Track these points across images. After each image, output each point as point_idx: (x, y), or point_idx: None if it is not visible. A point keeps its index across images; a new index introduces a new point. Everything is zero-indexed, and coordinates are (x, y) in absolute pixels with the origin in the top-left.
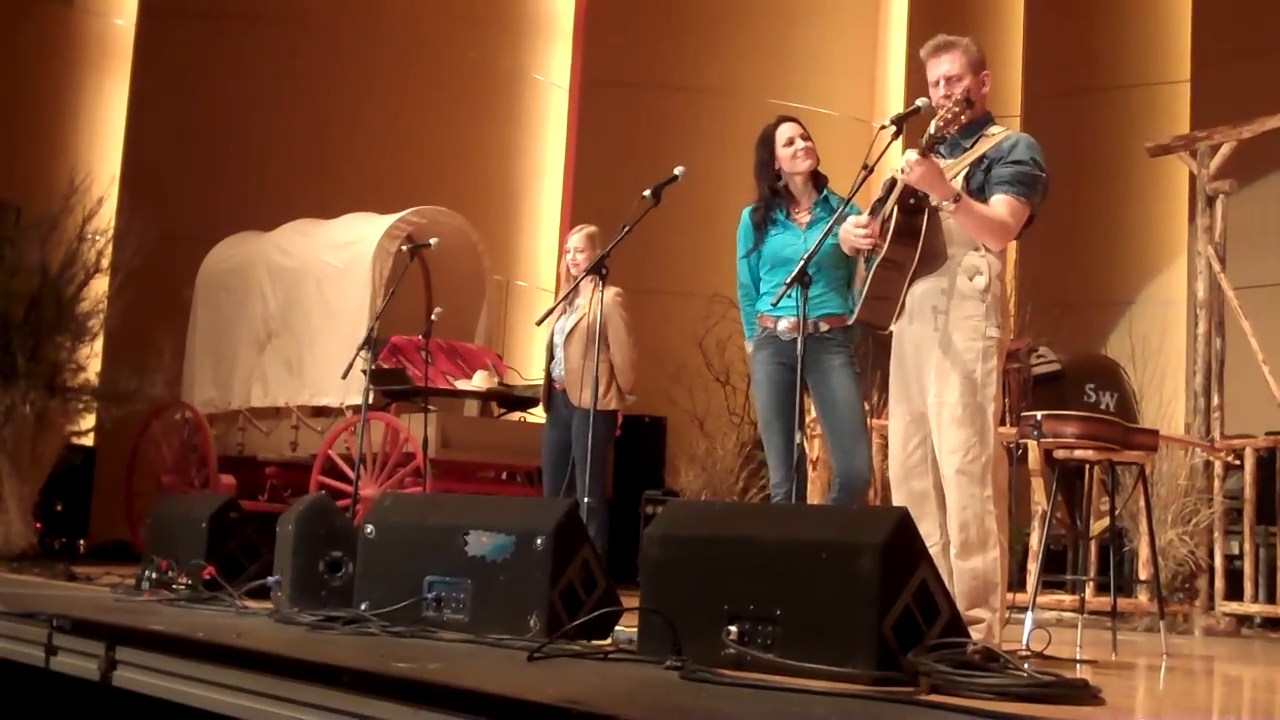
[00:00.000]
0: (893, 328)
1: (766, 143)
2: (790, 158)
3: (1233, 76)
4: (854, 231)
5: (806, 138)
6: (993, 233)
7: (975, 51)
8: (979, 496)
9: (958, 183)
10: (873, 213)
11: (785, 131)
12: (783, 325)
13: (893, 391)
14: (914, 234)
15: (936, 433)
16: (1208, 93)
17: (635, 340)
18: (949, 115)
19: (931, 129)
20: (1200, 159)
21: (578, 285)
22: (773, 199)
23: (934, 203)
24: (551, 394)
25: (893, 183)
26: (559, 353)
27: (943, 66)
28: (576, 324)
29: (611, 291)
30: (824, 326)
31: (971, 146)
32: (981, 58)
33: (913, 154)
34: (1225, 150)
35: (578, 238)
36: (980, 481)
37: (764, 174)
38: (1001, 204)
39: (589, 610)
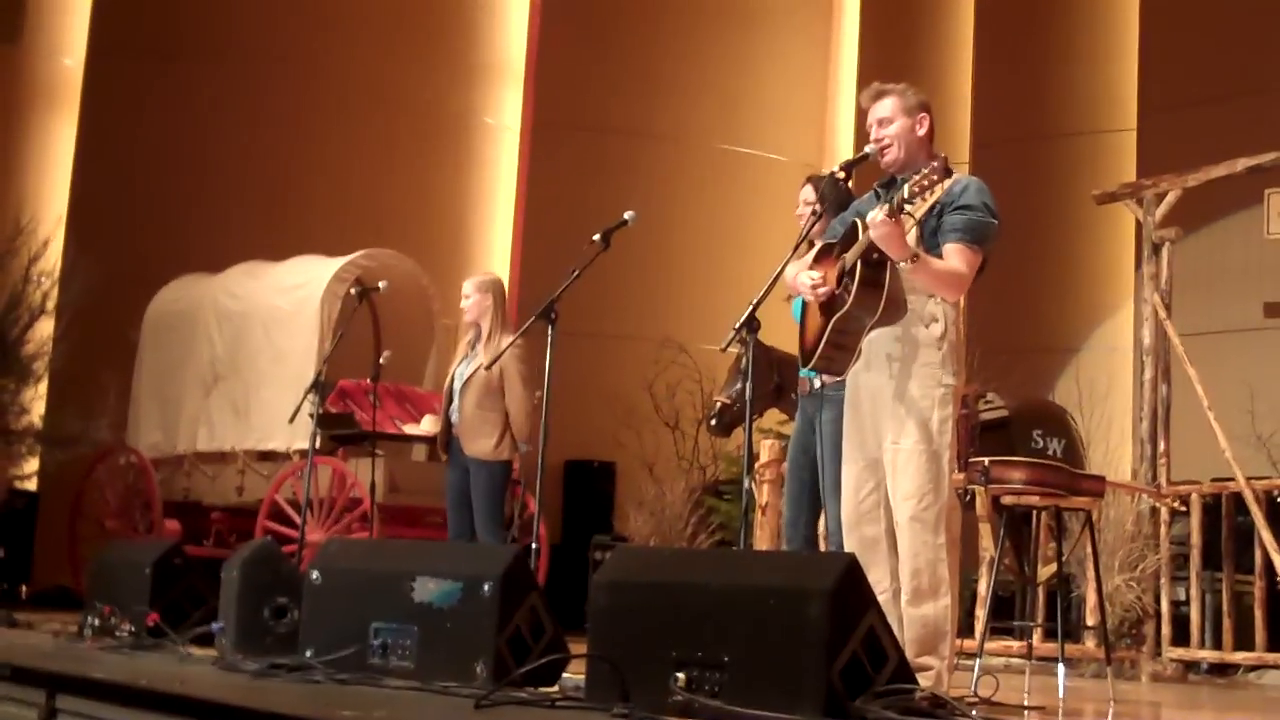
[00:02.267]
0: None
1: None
2: (798, 217)
3: (1179, 125)
4: (807, 290)
5: (810, 202)
6: (949, 285)
7: (911, 97)
8: (932, 544)
9: (914, 233)
10: (823, 254)
11: (801, 194)
12: (805, 386)
13: (847, 438)
14: (878, 285)
15: (891, 478)
16: (1154, 141)
17: (530, 391)
18: (925, 183)
19: (905, 192)
20: (1146, 207)
21: (480, 332)
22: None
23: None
24: (450, 440)
25: (852, 228)
26: (456, 399)
27: (877, 111)
28: (474, 373)
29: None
30: (818, 382)
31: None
32: (918, 103)
33: (879, 213)
34: (1171, 198)
35: (467, 285)
36: (934, 529)
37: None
38: (954, 254)
39: (537, 657)
